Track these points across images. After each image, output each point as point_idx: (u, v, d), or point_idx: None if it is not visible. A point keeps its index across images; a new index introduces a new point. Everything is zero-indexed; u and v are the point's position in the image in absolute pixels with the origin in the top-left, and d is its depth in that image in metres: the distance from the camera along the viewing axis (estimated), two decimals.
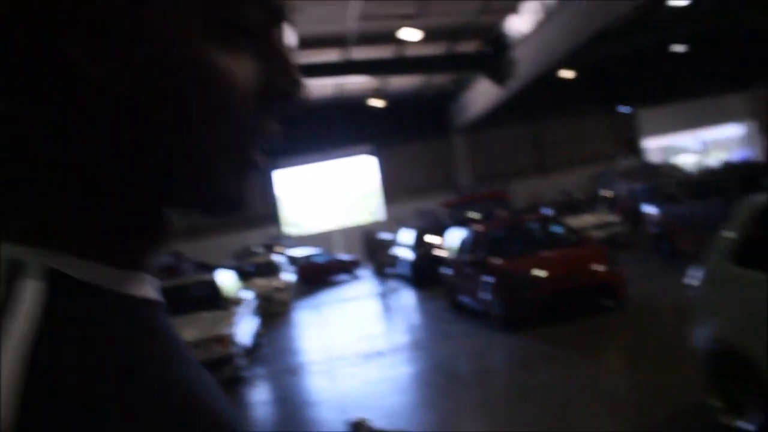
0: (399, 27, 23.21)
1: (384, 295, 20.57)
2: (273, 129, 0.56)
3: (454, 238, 15.29)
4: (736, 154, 32.62)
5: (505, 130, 34.31)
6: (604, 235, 18.67)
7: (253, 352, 12.36)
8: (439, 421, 7.48)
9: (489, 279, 11.60)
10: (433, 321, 14.48)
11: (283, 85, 0.54)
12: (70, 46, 0.45)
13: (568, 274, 10.95)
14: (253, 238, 30.66)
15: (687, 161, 34.40)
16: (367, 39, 23.98)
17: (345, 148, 34.96)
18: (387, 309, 18.46)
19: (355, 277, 27.18)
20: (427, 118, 34.45)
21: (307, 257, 27.85)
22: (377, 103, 32.84)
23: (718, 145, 36.85)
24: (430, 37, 24.13)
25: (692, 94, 35.04)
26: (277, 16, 0.54)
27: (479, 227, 14.52)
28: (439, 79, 31.56)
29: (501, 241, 12.81)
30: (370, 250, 29.12)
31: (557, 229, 13.51)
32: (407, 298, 18.81)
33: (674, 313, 9.54)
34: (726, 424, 5.02)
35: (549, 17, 20.61)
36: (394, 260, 22.76)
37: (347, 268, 27.73)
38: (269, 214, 34.10)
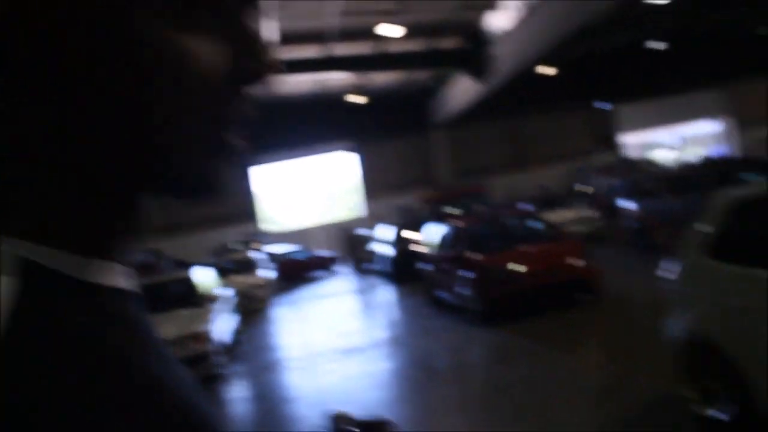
0: (379, 23, 23.17)
1: (363, 291, 20.57)
2: (247, 112, 0.54)
3: (433, 233, 15.31)
4: (712, 150, 32.94)
5: (485, 126, 34.37)
6: (582, 229, 18.76)
7: (231, 349, 12.29)
8: (418, 415, 7.48)
9: (467, 274, 11.62)
10: (412, 316, 14.49)
11: (253, 67, 0.53)
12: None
13: (546, 269, 11.00)
14: (231, 235, 30.50)
15: (664, 157, 34.68)
16: (347, 35, 23.92)
17: (325, 144, 34.87)
18: (366, 305, 18.46)
19: (335, 274, 27.15)
20: (408, 115, 34.44)
21: (287, 254, 27.78)
22: (357, 99, 32.77)
23: (695, 141, 37.16)
24: (411, 33, 24.11)
25: (670, 91, 35.30)
26: None
27: (458, 223, 14.54)
28: (420, 76, 31.56)
29: (479, 237, 12.83)
30: (349, 246, 29.10)
31: (535, 224, 13.57)
32: (386, 294, 18.80)
33: (650, 307, 9.61)
34: (699, 414, 5.06)
35: (528, 14, 20.65)
36: (374, 256, 22.75)
37: (326, 265, 27.72)
38: (247, 210, 33.96)
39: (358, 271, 26.08)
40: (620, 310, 10.58)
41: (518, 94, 30.53)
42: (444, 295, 13.15)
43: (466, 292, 11.64)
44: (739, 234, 4.95)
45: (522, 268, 11.02)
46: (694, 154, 32.23)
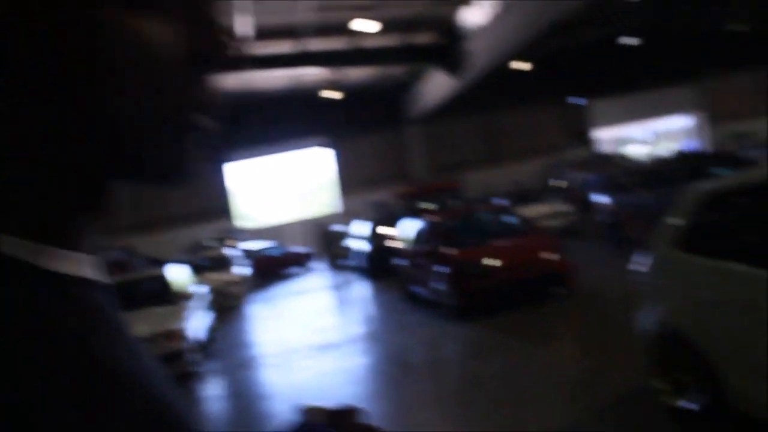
0: (354, 18, 23.11)
1: (339, 287, 20.55)
2: (210, 94, 0.54)
3: (408, 229, 15.32)
4: (684, 145, 33.28)
5: (460, 121, 34.46)
6: (556, 224, 18.89)
7: (206, 346, 12.21)
8: (393, 411, 7.48)
9: (442, 269, 11.64)
10: (388, 312, 14.49)
11: (211, 48, 0.53)
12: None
13: (521, 264, 11.06)
14: (206, 232, 30.33)
15: (637, 152, 35.02)
16: (322, 30, 23.83)
17: (300, 140, 34.74)
18: (342, 301, 18.44)
19: (310, 270, 27.10)
20: (383, 110, 34.42)
21: (262, 250, 27.69)
22: (332, 94, 32.69)
23: (668, 135, 37.57)
24: (386, 28, 24.08)
25: (642, 86, 35.65)
26: None
27: (433, 218, 14.56)
28: (394, 71, 31.54)
29: (454, 232, 12.85)
30: (324, 242, 29.06)
31: (510, 219, 13.62)
32: (362, 289, 18.79)
33: (624, 300, 9.68)
34: (671, 405, 5.11)
35: (503, 9, 20.71)
36: (349, 252, 22.73)
37: (302, 261, 27.68)
38: (222, 207, 33.77)
39: (333, 267, 26.04)
40: (594, 303, 10.65)
41: (493, 90, 30.63)
42: (419, 290, 13.16)
43: (441, 287, 11.66)
44: (709, 227, 5.00)
45: (496, 263, 11.06)
46: (667, 148, 32.57)
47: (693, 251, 4.91)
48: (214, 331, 13.57)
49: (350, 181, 35.14)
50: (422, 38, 26.45)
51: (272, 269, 26.35)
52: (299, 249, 28.94)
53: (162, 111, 0.50)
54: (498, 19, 21.22)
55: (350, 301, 17.85)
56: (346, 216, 29.81)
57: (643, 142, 37.64)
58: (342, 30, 24.07)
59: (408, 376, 9.03)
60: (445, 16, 24.64)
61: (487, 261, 11.13)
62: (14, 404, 0.39)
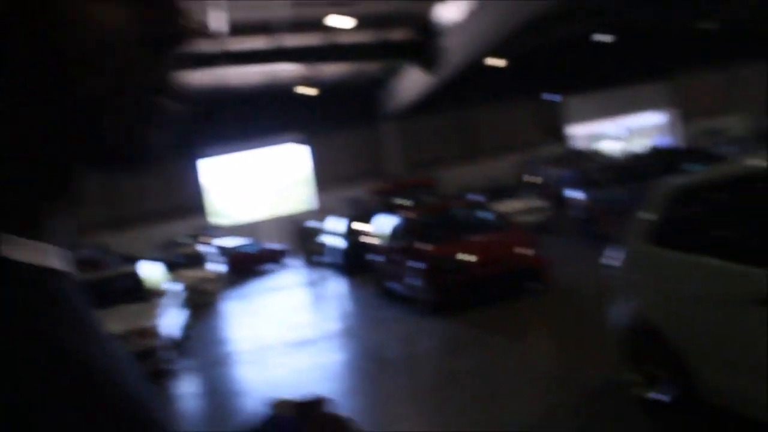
0: (329, 14, 23.04)
1: (314, 284, 20.51)
2: (170, 76, 0.54)
3: (384, 225, 15.31)
4: (657, 141, 33.62)
5: (435, 117, 34.52)
6: (531, 220, 18.98)
7: (180, 344, 12.12)
8: (369, 407, 7.48)
9: (418, 265, 11.66)
10: (363, 308, 14.49)
11: (168, 30, 0.52)
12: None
13: (496, 259, 11.10)
14: (180, 229, 30.10)
15: (611, 148, 35.32)
16: (297, 26, 23.73)
17: (275, 136, 34.60)
18: (317, 297, 18.41)
19: (285, 267, 27.02)
20: (358, 106, 34.38)
21: (237, 247, 27.57)
22: (307, 91, 32.57)
23: (641, 132, 37.93)
24: (361, 24, 24.03)
25: (616, 83, 35.95)
26: None
27: (408, 214, 14.57)
28: (370, 67, 31.50)
29: (429, 227, 12.87)
30: (300, 239, 28.97)
31: (485, 214, 13.67)
32: (337, 286, 18.77)
33: (597, 295, 9.76)
34: (641, 396, 5.16)
35: (478, 6, 20.76)
36: (324, 249, 22.68)
37: (277, 258, 27.60)
38: (196, 204, 33.55)
39: (309, 264, 25.96)
40: (569, 298, 10.72)
41: (468, 87, 30.74)
42: (395, 286, 13.17)
43: (417, 282, 11.67)
44: (680, 221, 5.05)
45: (472, 258, 11.09)
46: (640, 144, 32.87)
47: (664, 245, 4.96)
48: (188, 328, 13.47)
49: (325, 177, 35.07)
50: (397, 34, 26.44)
51: (247, 266, 26.23)
52: (274, 246, 28.84)
53: (123, 93, 0.49)
54: (473, 16, 21.28)
55: (326, 297, 17.82)
56: (322, 212, 29.75)
57: (617, 138, 37.97)
58: (317, 26, 23.99)
59: (384, 372, 9.03)
60: (420, 12, 24.64)
61: (463, 256, 11.16)
62: None
